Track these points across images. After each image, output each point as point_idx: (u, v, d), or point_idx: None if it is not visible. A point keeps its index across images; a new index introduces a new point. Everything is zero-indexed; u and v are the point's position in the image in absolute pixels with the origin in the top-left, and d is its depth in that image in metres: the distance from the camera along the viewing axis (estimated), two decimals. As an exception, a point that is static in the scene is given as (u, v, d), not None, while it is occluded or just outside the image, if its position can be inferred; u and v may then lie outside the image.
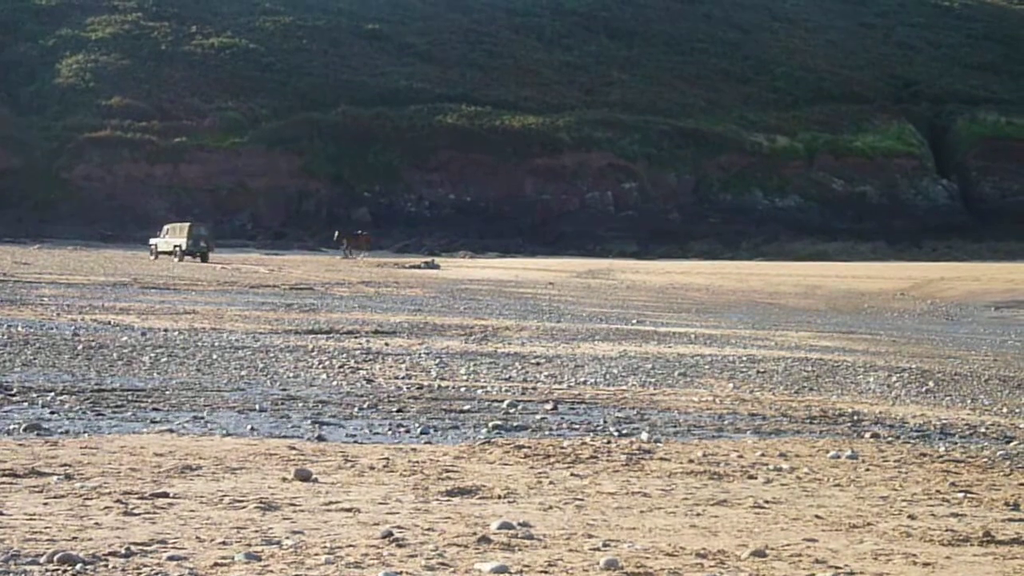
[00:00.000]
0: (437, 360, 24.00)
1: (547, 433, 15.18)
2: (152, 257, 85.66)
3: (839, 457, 13.88)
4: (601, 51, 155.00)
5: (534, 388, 19.98)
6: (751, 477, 12.50)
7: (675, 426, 16.21)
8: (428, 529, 9.43)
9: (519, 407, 17.36)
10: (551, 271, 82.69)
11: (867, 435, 15.97)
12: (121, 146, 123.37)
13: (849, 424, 17.02)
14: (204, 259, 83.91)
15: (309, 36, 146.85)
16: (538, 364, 24.12)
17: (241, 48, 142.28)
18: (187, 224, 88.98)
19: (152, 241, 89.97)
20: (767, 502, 11.17)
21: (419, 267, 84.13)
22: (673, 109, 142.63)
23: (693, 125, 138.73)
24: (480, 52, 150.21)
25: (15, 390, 16.82)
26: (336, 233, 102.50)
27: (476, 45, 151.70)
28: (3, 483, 10.55)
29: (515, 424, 15.79)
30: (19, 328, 26.90)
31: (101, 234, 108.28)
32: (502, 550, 8.85)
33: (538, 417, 16.50)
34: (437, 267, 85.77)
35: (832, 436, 15.83)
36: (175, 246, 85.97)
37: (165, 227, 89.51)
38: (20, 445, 12.54)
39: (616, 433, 15.29)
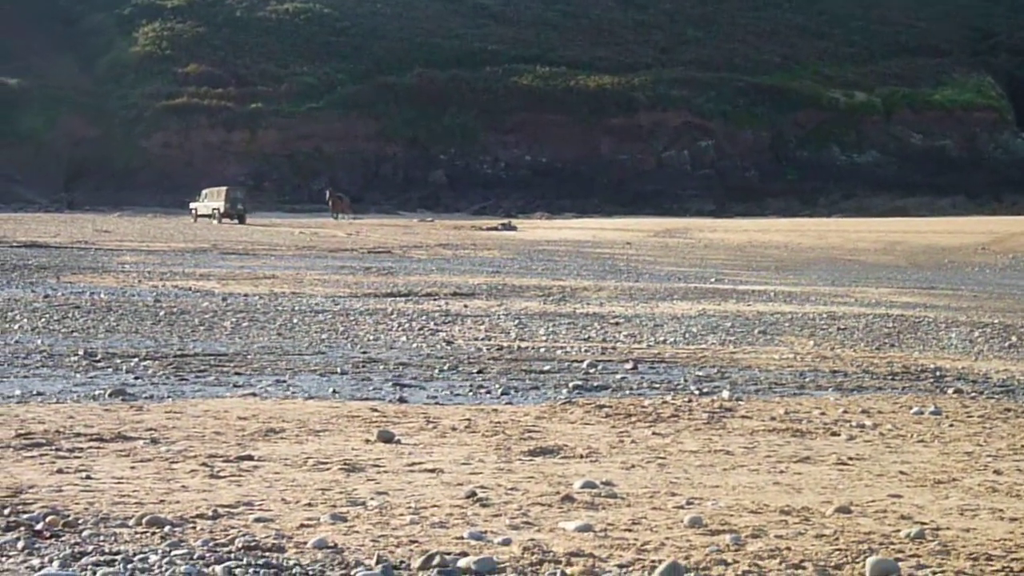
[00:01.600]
0: (516, 321, 24.03)
1: (628, 392, 15.18)
2: (192, 220, 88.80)
3: (922, 413, 13.80)
4: (676, 9, 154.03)
5: (613, 348, 19.98)
6: (834, 434, 12.45)
7: (756, 384, 16.18)
8: (511, 489, 9.45)
9: (599, 367, 17.37)
10: (628, 231, 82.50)
11: (950, 391, 15.87)
12: (198, 113, 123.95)
13: (932, 380, 16.92)
14: (241, 221, 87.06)
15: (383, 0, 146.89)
16: (617, 324, 24.10)
17: (316, 13, 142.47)
18: (224, 188, 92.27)
19: (192, 205, 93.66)
20: (850, 459, 11.12)
21: (496, 229, 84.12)
22: (749, 66, 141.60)
23: (769, 81, 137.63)
24: (555, 12, 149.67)
25: (99, 356, 16.99)
26: (327, 193, 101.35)
27: (551, 5, 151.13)
28: (91, 448, 10.67)
29: (595, 384, 15.80)
30: (102, 295, 27.14)
31: (180, 201, 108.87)
32: (586, 509, 8.87)
33: (618, 376, 16.50)
34: (514, 228, 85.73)
35: (915, 392, 15.75)
36: (213, 209, 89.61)
37: (203, 191, 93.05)
38: (106, 410, 12.67)
39: (697, 391, 15.27)
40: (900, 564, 7.56)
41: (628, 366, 17.47)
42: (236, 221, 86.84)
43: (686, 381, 16.22)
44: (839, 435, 12.37)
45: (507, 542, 7.82)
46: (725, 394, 14.97)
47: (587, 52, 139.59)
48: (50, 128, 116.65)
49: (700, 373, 17.04)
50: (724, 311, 27.63)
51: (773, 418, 13.27)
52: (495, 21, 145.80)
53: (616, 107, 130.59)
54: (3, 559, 7.18)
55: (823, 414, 13.61)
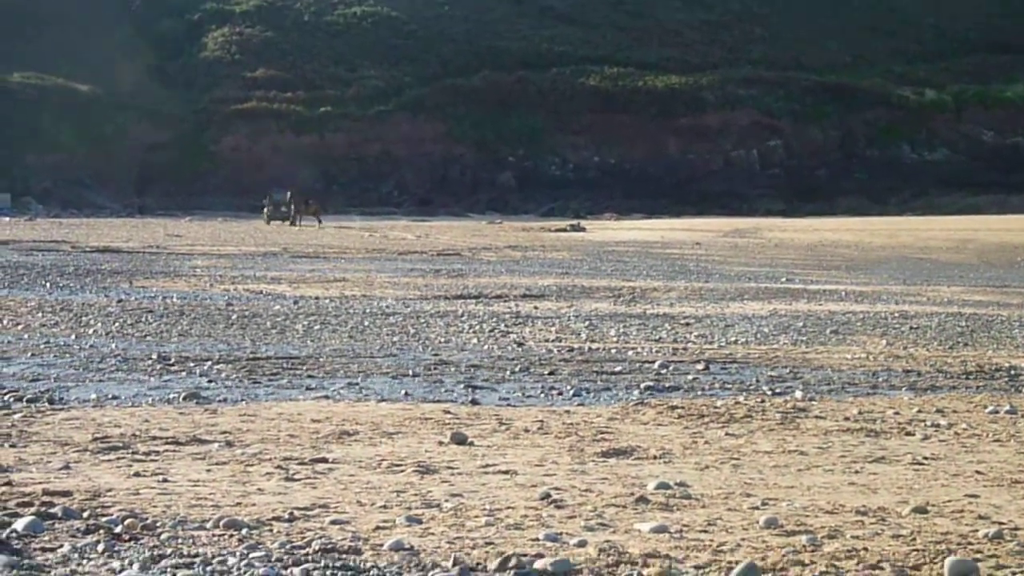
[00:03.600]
0: (587, 322, 24.02)
1: (700, 393, 15.15)
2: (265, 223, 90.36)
3: (997, 412, 13.70)
4: (743, 9, 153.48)
5: (685, 348, 19.94)
6: (908, 434, 12.38)
7: (829, 384, 16.11)
8: (586, 490, 9.45)
9: (670, 368, 17.34)
10: (697, 231, 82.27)
11: (1026, 390, 15.75)
12: (267, 117, 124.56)
13: (1006, 379, 16.79)
14: (292, 223, 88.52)
15: (450, 2, 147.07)
16: (688, 324, 24.05)
17: (383, 16, 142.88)
18: (271, 193, 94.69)
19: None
20: (926, 458, 11.05)
21: (565, 230, 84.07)
22: (817, 64, 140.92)
23: (838, 80, 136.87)
24: (622, 13, 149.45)
25: (173, 360, 17.11)
26: (288, 194, 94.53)
27: (617, 6, 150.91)
28: (167, 451, 10.75)
29: (667, 385, 15.78)
30: (174, 299, 27.33)
31: (250, 205, 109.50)
32: (660, 510, 8.86)
33: (690, 377, 16.47)
34: (583, 230, 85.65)
35: (989, 391, 15.63)
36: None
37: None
38: (181, 413, 12.76)
39: (769, 392, 15.22)
40: (979, 564, 7.51)
41: (700, 367, 17.43)
42: (290, 223, 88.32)
43: (758, 381, 16.17)
44: (914, 435, 12.30)
45: (583, 543, 7.81)
46: (798, 394, 14.92)
47: (655, 52, 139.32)
48: (121, 134, 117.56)
49: (772, 373, 16.98)
50: (795, 311, 27.52)
51: (847, 418, 13.21)
52: (562, 22, 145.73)
53: (684, 107, 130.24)
54: (84, 562, 7.24)
55: (897, 414, 13.53)
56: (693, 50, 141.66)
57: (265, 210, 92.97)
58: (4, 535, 7.62)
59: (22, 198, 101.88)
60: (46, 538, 7.70)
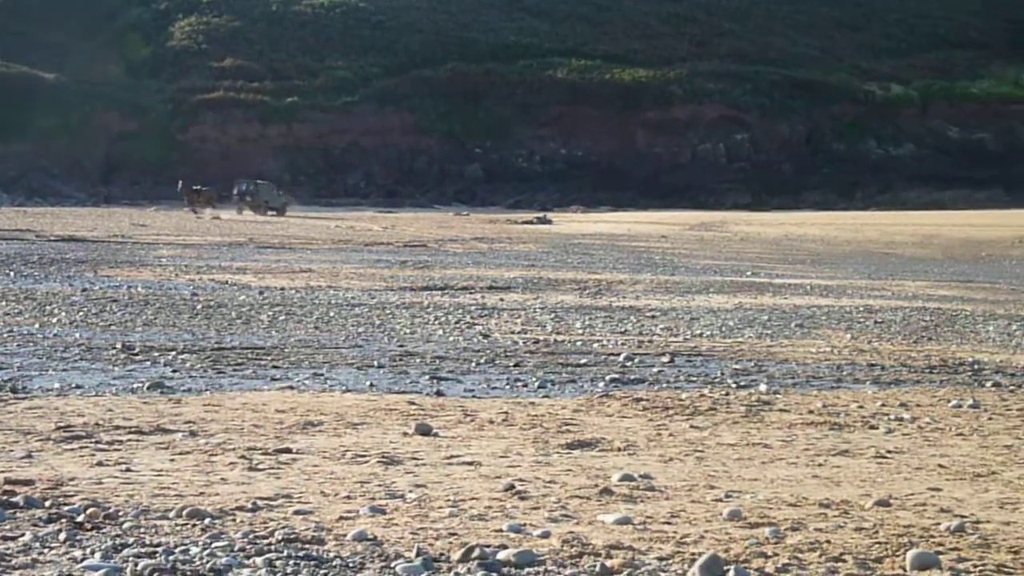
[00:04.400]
0: (552, 314, 24.05)
1: (665, 385, 15.18)
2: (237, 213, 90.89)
3: (960, 406, 13.76)
4: (711, 2, 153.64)
5: (650, 341, 19.97)
6: (872, 427, 12.42)
7: (793, 377, 16.16)
8: (550, 482, 9.46)
9: (636, 360, 17.37)
10: (664, 224, 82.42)
11: (988, 384, 15.82)
12: (234, 107, 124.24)
13: (970, 373, 16.87)
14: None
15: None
16: (653, 317, 24.09)
17: (351, 6, 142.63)
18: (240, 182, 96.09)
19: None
20: (889, 452, 11.09)
21: (532, 223, 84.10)
22: (785, 59, 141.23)
23: (805, 75, 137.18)
24: (589, 6, 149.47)
25: (138, 349, 17.07)
26: (179, 184, 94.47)
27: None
28: (130, 440, 10.71)
29: (632, 377, 15.81)
30: (139, 289, 27.26)
31: (218, 194, 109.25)
32: (624, 502, 8.87)
33: (655, 370, 16.50)
34: (550, 222, 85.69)
35: (953, 385, 15.71)
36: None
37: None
38: (145, 403, 12.73)
39: (734, 385, 15.26)
40: (941, 557, 7.53)
41: (665, 359, 17.47)
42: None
43: (723, 374, 16.22)
44: (877, 428, 12.35)
45: (546, 535, 7.82)
46: (762, 387, 14.96)
47: (622, 45, 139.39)
48: (87, 123, 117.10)
49: (737, 366, 17.03)
50: (760, 304, 27.59)
51: (811, 411, 13.25)
52: (529, 14, 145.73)
53: (651, 100, 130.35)
54: (45, 551, 7.21)
55: (861, 407, 13.58)
56: (661, 43, 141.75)
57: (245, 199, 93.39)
58: (-35, 524, 7.59)
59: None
60: (7, 527, 7.66)
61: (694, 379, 15.76)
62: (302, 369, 15.83)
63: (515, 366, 16.59)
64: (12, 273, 30.65)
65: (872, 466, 10.49)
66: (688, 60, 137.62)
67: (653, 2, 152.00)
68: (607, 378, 15.55)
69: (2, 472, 9.17)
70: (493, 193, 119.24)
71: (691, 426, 12.20)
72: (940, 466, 10.51)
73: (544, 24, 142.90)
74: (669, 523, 8.27)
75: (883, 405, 13.76)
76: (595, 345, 19.12)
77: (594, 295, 29.22)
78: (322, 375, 15.39)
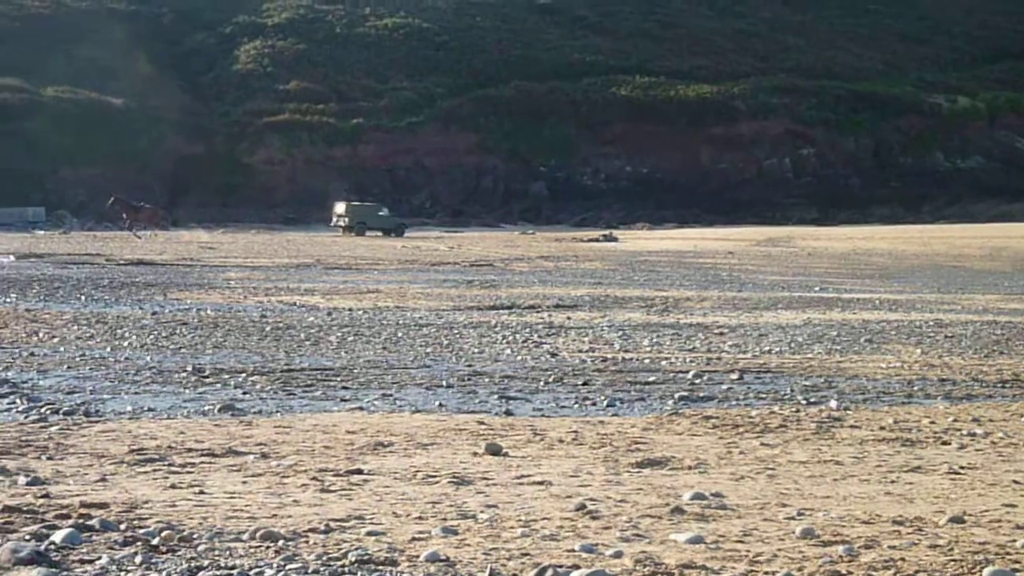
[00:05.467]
0: (620, 332, 24.01)
1: (734, 403, 15.13)
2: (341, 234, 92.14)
3: (1034, 421, 13.65)
4: (775, 17, 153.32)
5: (719, 358, 19.90)
6: (944, 443, 12.34)
7: (864, 393, 16.07)
8: (621, 501, 9.44)
9: (704, 377, 17.32)
10: (730, 240, 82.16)
11: (1062, 398, 15.69)
12: (300, 129, 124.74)
13: (1043, 387, 16.73)
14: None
15: (481, 13, 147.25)
16: (721, 334, 24.01)
17: (414, 28, 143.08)
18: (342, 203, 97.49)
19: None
20: (962, 468, 11.01)
21: (597, 240, 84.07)
22: (849, 73, 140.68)
23: (870, 88, 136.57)
24: (652, 22, 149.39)
25: (208, 372, 17.15)
26: (111, 199, 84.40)
27: (648, 15, 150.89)
28: (203, 463, 10.77)
29: (701, 395, 15.76)
30: (208, 311, 27.40)
31: (283, 217, 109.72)
32: (696, 520, 8.85)
33: (724, 387, 16.45)
34: (615, 240, 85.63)
35: (1026, 400, 15.57)
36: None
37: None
38: (216, 425, 12.79)
39: (804, 401, 15.19)
40: (1017, 575, 7.47)
41: (734, 376, 17.41)
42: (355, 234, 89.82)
43: (793, 391, 16.14)
44: (950, 444, 12.26)
45: (618, 554, 7.81)
46: (833, 404, 14.89)
47: (686, 62, 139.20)
48: (154, 147, 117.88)
49: (807, 383, 16.95)
50: (829, 320, 27.46)
51: (882, 427, 13.18)
52: (593, 32, 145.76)
53: (716, 116, 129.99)
54: (121, 574, 7.27)
55: (933, 423, 13.49)
56: (725, 59, 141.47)
57: (341, 220, 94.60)
58: (43, 547, 7.65)
59: (57, 211, 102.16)
60: (84, 550, 7.73)
61: (763, 396, 15.69)
62: (371, 390, 15.87)
63: (583, 385, 16.58)
64: (83, 297, 30.87)
65: (945, 482, 10.42)
66: (752, 75, 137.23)
67: (717, 18, 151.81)
68: (676, 396, 15.52)
69: (77, 495, 9.25)
70: (558, 211, 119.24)
71: (762, 443, 12.16)
72: (1015, 482, 10.42)
73: (608, 42, 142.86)
74: (742, 542, 8.24)
75: (955, 420, 13.67)
76: (663, 363, 19.08)
77: (661, 312, 29.16)
78: (391, 396, 15.42)
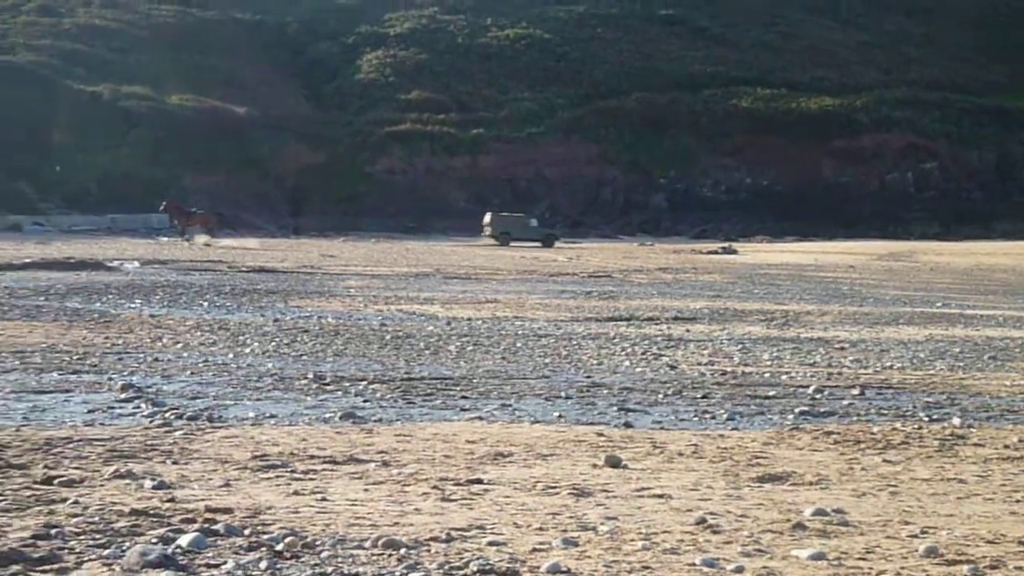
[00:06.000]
0: (739, 346, 23.90)
1: (855, 419, 15.01)
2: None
3: None
4: (898, 29, 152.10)
5: (839, 373, 19.76)
6: (1071, 462, 12.17)
7: (987, 411, 15.89)
8: (741, 515, 9.41)
9: (825, 392, 17.21)
10: (851, 254, 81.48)
11: None
12: (420, 139, 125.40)
13: None
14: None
15: (603, 24, 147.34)
16: (842, 349, 23.83)
17: (536, 38, 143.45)
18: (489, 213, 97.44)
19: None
20: (1089, 488, 10.86)
21: (716, 252, 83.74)
22: (974, 86, 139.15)
23: (995, 101, 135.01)
24: (774, 34, 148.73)
25: (329, 379, 17.28)
26: (163, 203, 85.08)
27: (770, 27, 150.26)
28: (324, 470, 10.87)
29: (822, 410, 15.66)
30: (329, 319, 27.61)
31: (403, 226, 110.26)
32: (818, 537, 8.80)
33: (845, 402, 16.33)
34: (735, 252, 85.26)
35: None
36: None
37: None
38: (337, 433, 12.89)
39: (927, 418, 15.05)
40: None
41: (855, 392, 17.28)
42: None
43: (915, 407, 15.99)
44: (1077, 464, 12.10)
45: (739, 569, 7.79)
46: (956, 421, 14.73)
47: (808, 73, 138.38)
48: (277, 155, 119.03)
49: (929, 399, 16.79)
50: (952, 336, 27.16)
51: (1007, 446, 13.02)
52: (715, 43, 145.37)
53: (838, 129, 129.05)
54: (247, 579, 7.36)
55: (1059, 442, 13.31)
56: (847, 71, 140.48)
57: (488, 230, 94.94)
58: (170, 551, 7.76)
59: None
60: (210, 554, 7.83)
61: (885, 412, 15.56)
62: (490, 400, 15.92)
63: (703, 398, 16.53)
64: (206, 303, 31.22)
65: (1072, 502, 10.28)
66: (875, 88, 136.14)
67: (839, 29, 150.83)
68: (796, 410, 15.43)
69: (202, 500, 9.37)
70: (677, 223, 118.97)
71: (883, 460, 12.06)
72: None
73: (729, 53, 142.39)
74: (864, 559, 8.19)
75: (1082, 440, 13.48)
76: (783, 377, 18.98)
77: (781, 326, 28.99)
78: (510, 406, 15.46)
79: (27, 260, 46.22)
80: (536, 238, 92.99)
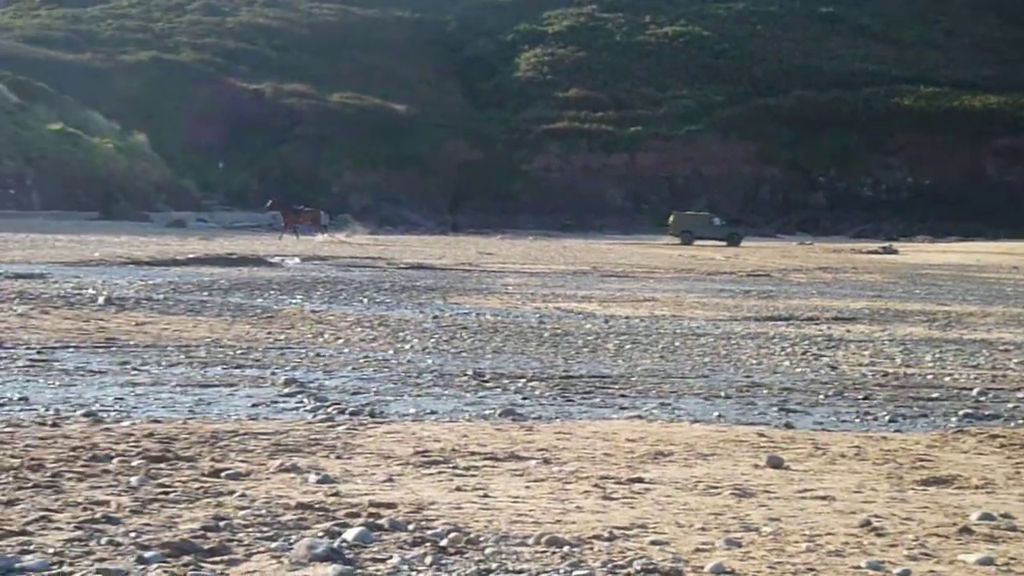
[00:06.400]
0: (901, 347, 23.63)
1: (1022, 422, 14.77)
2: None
3: None
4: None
5: (1004, 376, 19.45)
6: None
7: None
8: (906, 519, 9.30)
9: (990, 395, 16.96)
10: (1015, 255, 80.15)
11: None
12: (578, 137, 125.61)
13: None
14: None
15: (762, 21, 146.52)
16: (1007, 351, 23.46)
17: (694, 36, 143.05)
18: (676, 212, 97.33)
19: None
20: None
21: (876, 252, 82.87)
22: None
23: None
24: (937, 31, 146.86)
25: (488, 376, 17.35)
26: (269, 202, 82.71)
27: (933, 24, 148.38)
28: (486, 466, 10.91)
29: (987, 412, 15.43)
30: (487, 316, 27.72)
31: (560, 223, 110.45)
32: (985, 541, 8.67)
33: (1011, 406, 16.07)
34: (895, 252, 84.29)
35: None
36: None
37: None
38: (497, 429, 12.94)
39: (1097, 423, 14.77)
40: None
41: (1021, 395, 17.00)
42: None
43: (1084, 411, 15.70)
44: None
45: (906, 573, 7.70)
46: None
47: (971, 71, 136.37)
48: (435, 152, 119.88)
49: (1098, 403, 16.47)
50: (1121, 339, 26.61)
51: None
52: (876, 41, 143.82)
53: (1003, 127, 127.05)
54: (413, 574, 7.42)
55: None
56: (1012, 68, 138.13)
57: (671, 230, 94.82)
58: (336, 544, 7.86)
59: (340, 215, 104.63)
60: (375, 549, 7.91)
61: (1054, 416, 15.31)
62: (649, 399, 15.88)
63: (864, 399, 16.36)
64: (366, 300, 31.48)
65: None
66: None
67: (1004, 27, 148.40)
68: (960, 413, 15.21)
69: (366, 494, 9.46)
70: (837, 222, 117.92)
71: (1052, 465, 11.86)
72: None
73: (891, 51, 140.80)
74: (1034, 565, 8.06)
75: None
76: (946, 379, 18.72)
77: (944, 327, 28.61)
78: (670, 405, 15.42)
79: (191, 255, 46.94)
80: (720, 237, 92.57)
